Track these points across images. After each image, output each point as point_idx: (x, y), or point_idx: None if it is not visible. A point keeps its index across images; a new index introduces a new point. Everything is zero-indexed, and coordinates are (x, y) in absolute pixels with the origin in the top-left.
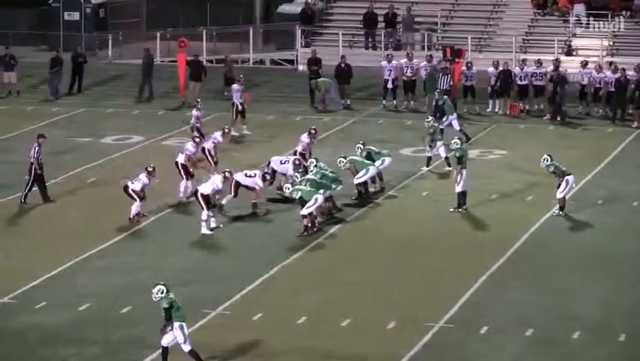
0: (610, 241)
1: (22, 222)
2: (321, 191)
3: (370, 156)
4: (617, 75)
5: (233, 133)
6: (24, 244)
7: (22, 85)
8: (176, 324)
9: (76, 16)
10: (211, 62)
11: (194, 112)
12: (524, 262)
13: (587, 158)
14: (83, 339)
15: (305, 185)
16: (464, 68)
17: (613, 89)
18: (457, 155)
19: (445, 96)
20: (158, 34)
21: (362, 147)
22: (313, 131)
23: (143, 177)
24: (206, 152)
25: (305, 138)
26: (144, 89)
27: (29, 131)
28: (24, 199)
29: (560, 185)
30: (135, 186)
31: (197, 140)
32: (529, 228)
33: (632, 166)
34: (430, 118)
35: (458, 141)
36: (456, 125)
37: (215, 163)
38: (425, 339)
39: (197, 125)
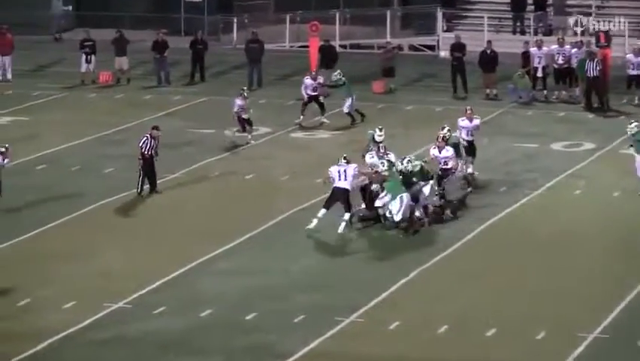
0: None
1: (139, 221)
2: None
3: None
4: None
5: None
6: (140, 244)
7: (141, 71)
8: None
9: None
10: (344, 47)
11: (238, 101)
12: None
13: None
14: (204, 348)
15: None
16: None
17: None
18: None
19: None
20: (288, 17)
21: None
22: (242, 91)
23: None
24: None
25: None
26: (252, 77)
27: (146, 122)
28: (140, 191)
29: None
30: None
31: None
32: None
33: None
34: (634, 123)
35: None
36: None
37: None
38: (578, 351)
39: (241, 115)
